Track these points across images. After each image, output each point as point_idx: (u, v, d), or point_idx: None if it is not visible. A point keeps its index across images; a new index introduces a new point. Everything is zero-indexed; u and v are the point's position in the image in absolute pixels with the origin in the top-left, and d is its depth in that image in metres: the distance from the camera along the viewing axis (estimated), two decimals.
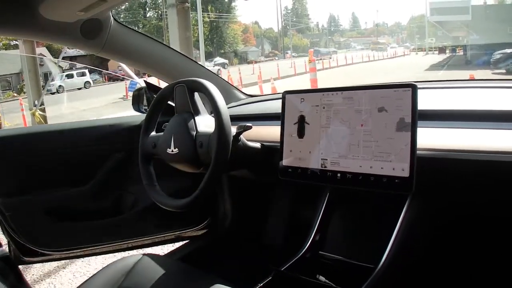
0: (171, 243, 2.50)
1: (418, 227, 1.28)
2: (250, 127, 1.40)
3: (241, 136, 1.44)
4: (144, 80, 2.01)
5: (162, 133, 1.49)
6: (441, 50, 33.05)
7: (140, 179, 1.50)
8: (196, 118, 1.42)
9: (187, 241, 2.15)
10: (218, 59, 40.63)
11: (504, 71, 15.30)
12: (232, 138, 1.34)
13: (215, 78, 1.98)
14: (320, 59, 31.45)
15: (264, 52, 64.41)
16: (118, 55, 1.80)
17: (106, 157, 1.91)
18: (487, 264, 1.43)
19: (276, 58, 51.38)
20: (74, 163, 1.87)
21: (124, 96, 17.85)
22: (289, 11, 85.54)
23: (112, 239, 1.92)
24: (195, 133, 1.39)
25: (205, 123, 1.42)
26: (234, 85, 2.21)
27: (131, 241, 1.97)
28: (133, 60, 1.84)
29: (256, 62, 37.87)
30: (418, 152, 1.14)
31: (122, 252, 2.03)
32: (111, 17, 1.63)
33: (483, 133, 1.21)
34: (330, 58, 36.22)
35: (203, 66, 2.05)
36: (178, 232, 2.06)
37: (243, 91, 2.21)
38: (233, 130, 1.38)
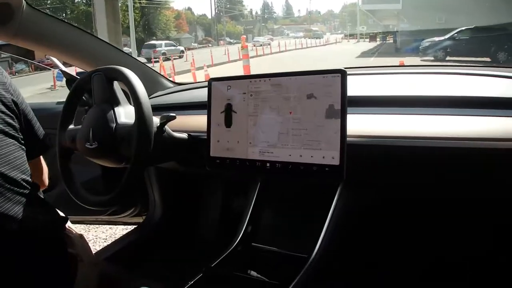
0: (102, 224, 2.99)
1: (350, 214, 1.28)
2: (174, 117, 1.33)
3: (166, 126, 1.36)
4: (61, 70, 1.88)
5: (80, 126, 1.38)
6: (372, 37, 34.02)
7: None
8: (116, 108, 1.32)
9: (117, 238, 2.07)
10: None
11: (432, 58, 15.97)
12: (154, 129, 1.26)
13: (139, 66, 1.89)
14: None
15: (198, 39, 63.83)
16: (33, 42, 1.67)
17: None
18: (419, 247, 1.45)
19: (210, 45, 50.92)
20: None
21: (52, 86, 17.13)
22: None
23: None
24: (114, 125, 1.29)
25: (125, 114, 1.33)
26: (167, 73, 2.13)
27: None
28: (49, 48, 1.72)
29: (189, 49, 36.75)
30: (348, 139, 1.12)
31: None
32: (23, 1, 1.50)
33: (412, 118, 1.21)
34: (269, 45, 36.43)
35: (126, 53, 1.96)
36: (109, 217, 2.15)
37: (175, 79, 2.14)
38: (157, 120, 1.31)
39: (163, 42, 34.00)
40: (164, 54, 28.61)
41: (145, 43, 34.45)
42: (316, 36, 55.16)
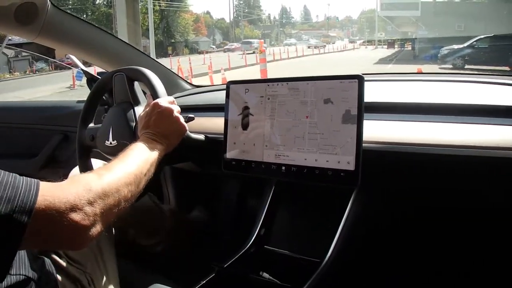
0: None
1: (364, 220, 1.27)
2: (192, 118, 1.35)
3: None
4: (82, 69, 1.91)
5: (100, 124, 1.41)
6: (390, 44, 33.77)
7: None
8: (136, 108, 1.35)
9: None
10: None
11: (450, 66, 15.80)
12: None
13: (158, 67, 1.91)
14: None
15: (216, 42, 63.94)
16: (55, 41, 1.70)
17: (50, 136, 2.20)
18: (431, 256, 1.43)
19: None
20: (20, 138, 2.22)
21: (71, 85, 17.31)
22: (241, 2, 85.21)
23: None
24: (134, 124, 1.32)
25: None
26: (184, 75, 2.15)
27: None
28: (71, 47, 1.75)
29: (207, 52, 37.42)
30: (364, 145, 1.12)
31: None
32: (48, 1, 1.53)
33: (429, 126, 1.21)
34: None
35: (146, 54, 1.98)
36: None
37: (192, 81, 2.16)
38: None
39: (255, 40, 43.30)
40: (256, 48, 33.96)
41: (243, 40, 49.15)
42: (352, 41, 56.02)
